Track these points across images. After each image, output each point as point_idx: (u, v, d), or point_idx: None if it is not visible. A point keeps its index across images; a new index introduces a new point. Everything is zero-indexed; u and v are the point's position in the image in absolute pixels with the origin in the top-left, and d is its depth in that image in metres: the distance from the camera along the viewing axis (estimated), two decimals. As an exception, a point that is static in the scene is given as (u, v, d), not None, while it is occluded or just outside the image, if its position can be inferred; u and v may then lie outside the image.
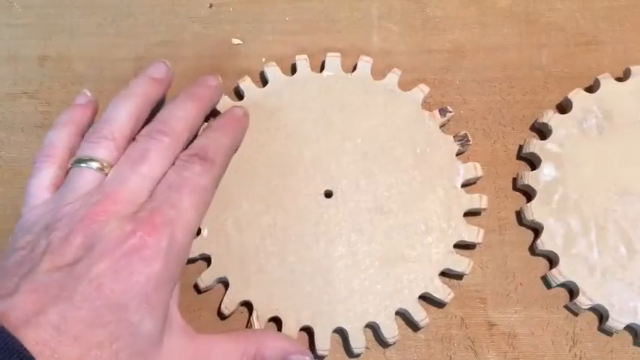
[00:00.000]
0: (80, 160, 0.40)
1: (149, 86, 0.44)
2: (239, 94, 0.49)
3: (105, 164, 0.40)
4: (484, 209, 0.46)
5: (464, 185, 0.46)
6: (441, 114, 0.47)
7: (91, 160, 0.40)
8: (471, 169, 0.46)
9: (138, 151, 0.40)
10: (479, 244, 0.45)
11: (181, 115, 0.42)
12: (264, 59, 0.50)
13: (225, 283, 0.45)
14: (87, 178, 0.39)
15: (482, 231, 0.45)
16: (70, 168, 0.40)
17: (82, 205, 0.38)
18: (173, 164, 0.41)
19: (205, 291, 0.45)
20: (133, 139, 0.41)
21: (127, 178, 0.39)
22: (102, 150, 0.40)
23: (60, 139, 0.42)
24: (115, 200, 0.38)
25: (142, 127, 0.42)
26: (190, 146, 0.42)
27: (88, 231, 0.36)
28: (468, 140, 0.46)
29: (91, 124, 0.44)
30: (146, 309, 0.35)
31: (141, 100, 0.43)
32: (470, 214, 0.46)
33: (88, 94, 0.45)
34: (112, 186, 0.39)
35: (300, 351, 0.41)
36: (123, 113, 0.42)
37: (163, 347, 0.37)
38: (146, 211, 0.38)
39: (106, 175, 0.40)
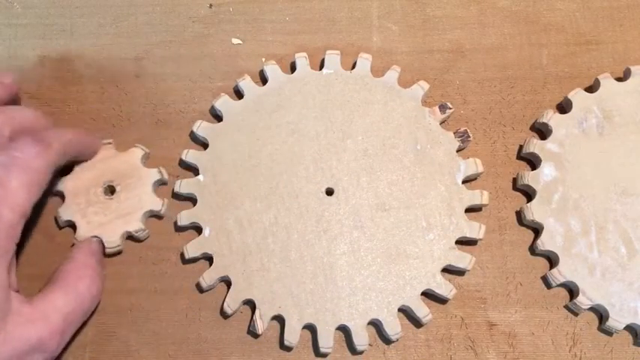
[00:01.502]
0: None
1: None
2: (239, 93, 0.49)
3: None
4: (485, 205, 0.46)
5: (465, 181, 0.46)
6: (441, 110, 0.47)
7: None
8: (472, 165, 0.46)
9: None
10: (480, 239, 0.45)
11: None
12: (264, 59, 0.50)
13: (227, 282, 0.45)
14: None
15: (483, 227, 0.45)
16: None
17: None
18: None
19: (207, 290, 0.45)
20: None
21: None
22: None
23: None
24: None
25: None
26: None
27: None
28: (469, 136, 0.46)
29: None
30: None
31: None
32: (470, 210, 0.46)
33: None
34: None
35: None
36: None
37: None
38: None
39: None
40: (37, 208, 0.46)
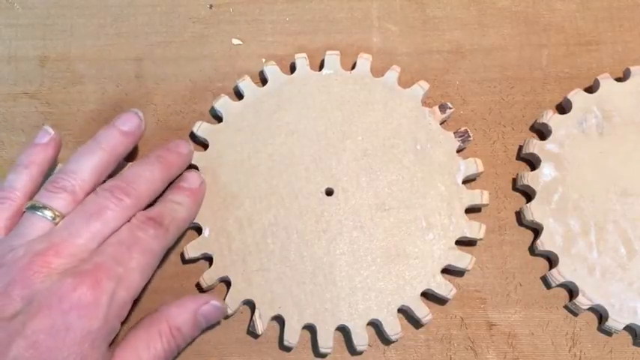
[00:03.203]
0: (35, 207, 0.39)
1: (117, 140, 0.43)
2: (239, 94, 0.49)
3: (58, 214, 0.39)
4: (485, 205, 0.46)
5: (465, 181, 0.46)
6: (441, 110, 0.47)
7: (46, 208, 0.39)
8: (472, 165, 0.46)
9: (95, 206, 0.40)
10: (480, 239, 0.45)
11: (148, 177, 0.42)
12: (264, 59, 0.50)
13: (227, 283, 0.45)
14: (38, 225, 0.39)
15: (483, 226, 0.45)
16: (24, 212, 0.40)
17: (26, 253, 0.37)
18: (128, 221, 0.40)
19: (207, 290, 0.45)
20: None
21: (78, 233, 0.38)
22: (59, 201, 0.40)
23: (19, 181, 0.41)
24: (59, 252, 0.37)
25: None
26: (149, 209, 0.42)
27: (28, 282, 0.36)
28: (469, 136, 0.46)
29: (53, 162, 0.44)
30: None
31: (107, 155, 0.42)
32: (470, 210, 0.46)
33: (50, 130, 0.44)
34: (60, 237, 0.38)
35: (205, 301, 0.42)
36: (87, 167, 0.41)
37: None
38: (91, 265, 0.37)
39: (57, 224, 0.39)
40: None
